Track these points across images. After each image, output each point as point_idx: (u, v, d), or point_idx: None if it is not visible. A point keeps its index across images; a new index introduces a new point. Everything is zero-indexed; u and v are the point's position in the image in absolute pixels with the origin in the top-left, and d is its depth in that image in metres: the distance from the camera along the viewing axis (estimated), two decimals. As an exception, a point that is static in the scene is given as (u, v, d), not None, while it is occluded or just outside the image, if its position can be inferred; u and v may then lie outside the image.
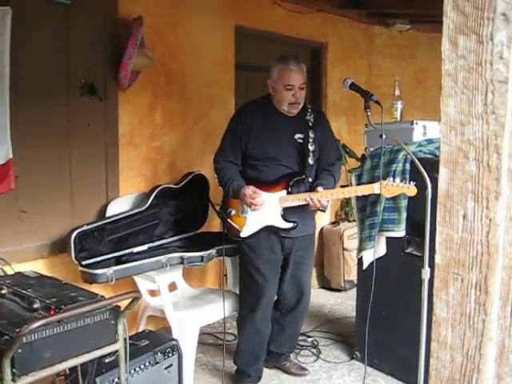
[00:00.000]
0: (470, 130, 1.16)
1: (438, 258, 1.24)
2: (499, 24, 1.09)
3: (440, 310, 1.25)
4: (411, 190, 2.70)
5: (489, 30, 1.11)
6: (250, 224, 3.03)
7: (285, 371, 3.38)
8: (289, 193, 2.97)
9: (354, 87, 2.61)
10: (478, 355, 1.20)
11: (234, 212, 3.07)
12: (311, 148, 3.04)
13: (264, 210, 2.99)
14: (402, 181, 2.74)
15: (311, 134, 3.05)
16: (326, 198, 2.91)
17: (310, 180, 3.05)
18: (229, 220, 3.07)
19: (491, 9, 1.10)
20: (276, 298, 3.28)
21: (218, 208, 3.29)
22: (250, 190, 2.95)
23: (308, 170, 3.03)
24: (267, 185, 3.01)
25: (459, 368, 1.23)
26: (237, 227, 3.05)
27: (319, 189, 2.90)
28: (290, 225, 2.99)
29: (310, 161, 3.05)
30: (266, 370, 3.34)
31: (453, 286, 1.23)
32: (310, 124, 3.08)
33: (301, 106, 3.05)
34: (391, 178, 2.74)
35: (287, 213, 2.99)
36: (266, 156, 3.02)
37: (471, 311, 1.20)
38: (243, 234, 3.04)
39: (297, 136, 3.06)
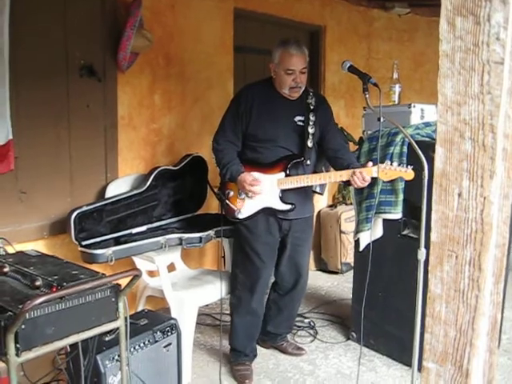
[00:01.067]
0: (466, 110, 1.18)
1: (433, 236, 1.27)
2: (496, 5, 1.11)
3: (435, 287, 1.28)
4: (409, 173, 2.72)
5: (486, 12, 1.12)
6: (248, 205, 3.05)
7: (282, 351, 3.44)
8: (287, 175, 2.98)
9: (352, 69, 2.62)
10: (470, 330, 1.23)
11: (232, 193, 3.08)
12: (311, 131, 3.05)
13: (262, 191, 3.00)
14: (399, 164, 2.76)
15: (311, 117, 3.05)
16: (324, 181, 2.96)
17: (309, 163, 3.06)
18: (227, 201, 3.09)
19: (488, -10, 1.11)
20: (274, 279, 3.32)
21: (216, 190, 3.29)
22: (250, 177, 2.95)
23: (307, 153, 3.03)
24: (266, 166, 3.02)
25: (452, 342, 1.27)
26: (235, 208, 3.07)
27: (369, 163, 2.78)
28: (288, 207, 3.01)
29: (309, 143, 3.05)
30: (263, 350, 3.41)
31: (447, 263, 1.25)
32: (311, 107, 3.08)
33: (302, 90, 3.05)
34: (389, 162, 2.75)
35: (285, 195, 3.00)
36: (264, 137, 3.03)
37: (465, 287, 1.23)
38: (241, 216, 3.06)
39: (297, 118, 3.06)
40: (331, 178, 2.95)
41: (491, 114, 1.15)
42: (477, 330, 1.23)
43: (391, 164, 2.73)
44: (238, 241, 3.19)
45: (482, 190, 1.18)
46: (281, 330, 3.45)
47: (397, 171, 2.72)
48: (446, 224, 1.24)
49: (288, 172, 2.99)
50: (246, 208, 3.06)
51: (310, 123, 3.05)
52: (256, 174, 2.99)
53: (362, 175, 2.74)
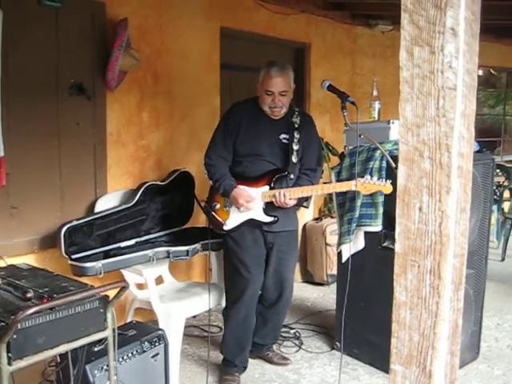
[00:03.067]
0: (424, 132, 1.29)
1: (397, 247, 1.37)
2: (448, 37, 1.22)
3: (399, 294, 1.39)
4: (387, 187, 2.84)
5: (440, 43, 1.23)
6: (233, 217, 3.16)
7: (267, 361, 3.51)
8: (271, 188, 3.09)
9: (331, 89, 2.74)
10: (432, 334, 1.33)
11: (218, 206, 3.20)
12: (295, 147, 3.15)
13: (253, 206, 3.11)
14: (378, 179, 2.88)
15: (296, 135, 3.16)
16: (297, 196, 3.05)
17: (293, 177, 3.16)
18: (213, 213, 3.20)
19: (441, 24, 1.22)
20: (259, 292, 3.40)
21: (203, 204, 3.38)
22: (246, 192, 3.08)
23: (291, 168, 3.14)
24: (251, 180, 3.13)
25: (416, 346, 1.36)
26: (220, 220, 3.18)
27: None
28: (271, 219, 3.11)
29: (294, 159, 3.15)
30: (249, 360, 3.46)
31: (410, 272, 1.35)
32: (296, 125, 3.19)
33: (284, 111, 3.15)
34: (368, 176, 2.87)
35: (269, 207, 3.11)
36: (251, 152, 3.14)
37: (427, 294, 1.33)
38: (226, 227, 3.17)
39: (282, 136, 3.17)
40: (313, 191, 3.10)
41: (446, 134, 1.26)
42: (438, 334, 1.32)
43: (371, 178, 2.84)
44: (227, 253, 3.28)
45: (440, 205, 1.28)
46: (267, 341, 3.52)
47: (376, 185, 2.84)
48: (409, 236, 1.34)
49: (272, 185, 3.10)
50: (231, 220, 3.17)
51: (295, 140, 3.16)
52: (242, 187, 3.10)
53: (285, 197, 2.99)
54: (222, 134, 3.21)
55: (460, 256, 1.36)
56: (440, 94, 1.26)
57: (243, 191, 3.08)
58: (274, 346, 3.61)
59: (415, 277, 1.35)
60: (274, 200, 3.03)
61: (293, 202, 3.07)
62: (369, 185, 2.85)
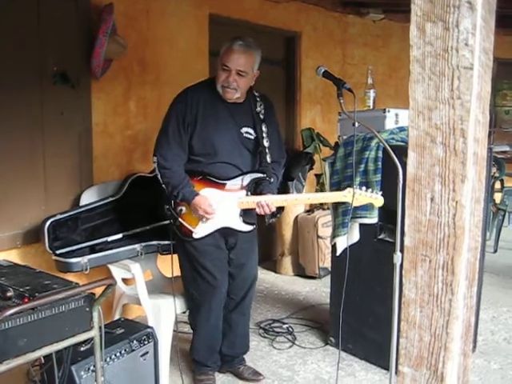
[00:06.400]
0: (437, 115, 1.19)
1: (407, 241, 1.27)
2: (464, 12, 1.12)
3: (409, 291, 1.29)
4: (379, 200, 2.74)
5: (454, 18, 1.13)
6: (204, 224, 2.82)
7: (237, 375, 3.20)
8: (250, 194, 2.84)
9: (326, 75, 2.62)
10: (444, 334, 1.24)
11: (184, 210, 2.83)
12: (266, 144, 2.84)
13: (220, 210, 2.80)
14: (370, 191, 2.74)
15: (264, 128, 2.84)
16: (280, 205, 2.85)
17: (272, 180, 2.87)
18: (180, 220, 2.83)
19: (457, -4, 1.12)
20: None
21: (166, 208, 2.91)
22: (206, 201, 2.75)
23: (268, 170, 2.85)
24: (222, 183, 2.81)
25: (427, 346, 1.27)
26: (189, 227, 2.82)
27: (268, 195, 2.80)
28: (250, 228, 2.88)
29: (268, 159, 2.85)
30: (221, 376, 3.23)
31: (421, 268, 1.26)
32: (261, 116, 2.85)
33: (237, 96, 2.78)
34: (364, 188, 2.73)
35: (246, 214, 2.86)
36: (208, 151, 2.79)
37: (439, 291, 1.24)
38: (196, 235, 2.83)
39: (244, 130, 2.84)
40: (297, 200, 2.92)
41: (462, 118, 1.16)
42: (451, 333, 1.23)
43: (365, 190, 2.73)
44: (186, 258, 2.97)
45: (454, 195, 1.19)
46: (237, 351, 3.22)
47: (367, 197, 2.72)
48: (419, 228, 1.25)
49: (249, 191, 2.84)
50: (201, 227, 2.82)
51: (264, 135, 2.84)
52: (211, 192, 2.80)
53: (269, 207, 2.74)
54: (176, 127, 2.77)
55: (474, 250, 1.26)
56: (455, 73, 1.16)
57: (204, 199, 2.74)
58: (247, 360, 3.29)
59: (426, 272, 1.25)
60: (256, 208, 2.76)
61: (274, 209, 2.82)
62: (360, 196, 2.69)
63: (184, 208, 2.82)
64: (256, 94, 2.91)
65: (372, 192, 2.73)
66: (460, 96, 1.15)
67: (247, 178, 2.83)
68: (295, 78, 5.50)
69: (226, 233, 2.90)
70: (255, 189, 2.87)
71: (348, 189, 2.75)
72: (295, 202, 2.84)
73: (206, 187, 2.80)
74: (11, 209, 3.14)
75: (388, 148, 2.28)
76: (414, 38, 1.20)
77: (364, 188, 2.73)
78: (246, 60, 2.73)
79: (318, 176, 5.41)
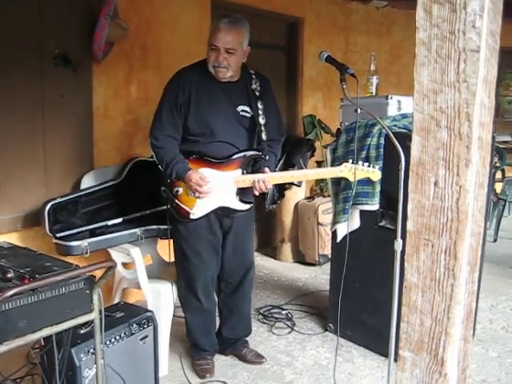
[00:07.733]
0: (442, 99, 1.18)
1: (409, 225, 1.27)
2: (472, -7, 1.11)
3: (411, 276, 1.28)
4: (376, 173, 2.71)
5: (462, -1, 1.12)
6: (201, 204, 2.79)
7: (240, 358, 3.22)
8: (245, 172, 2.80)
9: (329, 60, 2.60)
10: (446, 318, 1.24)
11: (181, 191, 2.80)
12: (262, 121, 2.81)
13: (217, 189, 2.77)
14: (367, 165, 2.71)
15: (260, 106, 2.81)
16: (277, 182, 2.82)
17: (268, 158, 2.84)
18: (176, 201, 2.80)
19: (465, -23, 1.11)
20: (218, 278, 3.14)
21: (162, 189, 2.90)
22: (197, 175, 2.70)
23: (264, 148, 2.83)
24: (218, 162, 2.78)
25: (428, 331, 1.27)
26: (186, 209, 2.79)
27: (266, 170, 2.77)
28: (247, 206, 2.85)
29: (264, 136, 2.83)
30: (224, 358, 3.25)
31: (423, 252, 1.25)
32: (257, 94, 2.82)
33: (229, 74, 2.76)
34: (360, 162, 2.71)
35: (243, 193, 2.82)
36: (204, 131, 2.78)
37: (441, 276, 1.23)
38: (194, 216, 2.81)
39: (240, 108, 2.81)
40: (293, 176, 2.89)
41: (467, 102, 1.15)
42: (452, 318, 1.23)
43: (362, 164, 2.70)
44: (177, 240, 2.98)
45: (458, 179, 1.18)
46: (238, 334, 3.23)
47: (364, 171, 2.69)
48: (422, 213, 1.24)
49: (245, 170, 2.81)
50: (198, 207, 2.79)
51: (260, 113, 2.81)
52: (207, 171, 2.76)
53: (265, 184, 2.70)
54: (169, 110, 2.77)
55: (477, 235, 1.26)
56: (461, 56, 1.14)
57: (195, 173, 2.69)
58: (250, 342, 3.30)
59: (428, 257, 1.25)
60: (253, 186, 2.73)
61: (271, 186, 2.82)
62: (357, 171, 2.66)
63: (181, 189, 2.80)
64: (251, 71, 2.89)
65: (369, 166, 2.70)
66: (466, 79, 1.14)
67: (243, 157, 2.81)
68: (297, 64, 5.46)
69: (221, 215, 2.88)
70: (252, 167, 2.86)
71: (344, 163, 2.71)
72: (291, 179, 2.81)
73: (201, 167, 2.78)
74: (11, 192, 3.13)
75: (390, 134, 2.27)
76: (421, 20, 1.18)
77: (361, 162, 2.71)
78: (234, 37, 2.70)
79: (319, 163, 5.39)
